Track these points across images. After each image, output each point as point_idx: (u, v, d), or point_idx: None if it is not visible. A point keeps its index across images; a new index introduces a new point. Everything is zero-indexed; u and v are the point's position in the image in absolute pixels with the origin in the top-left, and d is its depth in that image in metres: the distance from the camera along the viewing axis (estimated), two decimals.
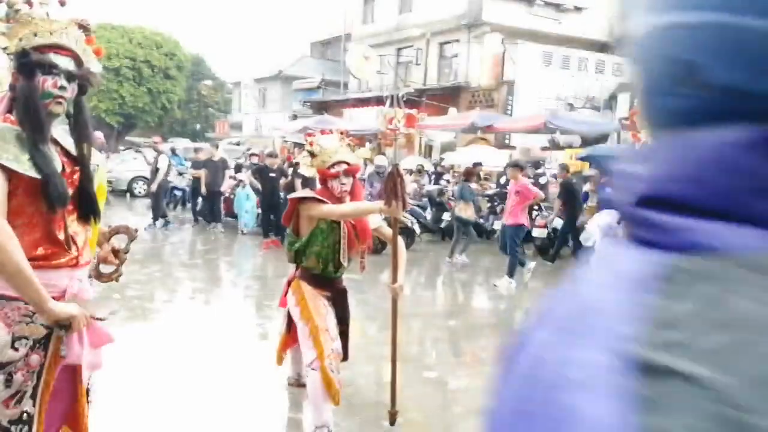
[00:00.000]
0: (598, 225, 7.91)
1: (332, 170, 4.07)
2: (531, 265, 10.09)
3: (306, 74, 36.79)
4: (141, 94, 39.59)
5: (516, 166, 10.39)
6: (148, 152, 25.08)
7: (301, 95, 35.36)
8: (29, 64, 2.23)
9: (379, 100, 25.92)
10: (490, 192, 14.93)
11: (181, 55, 42.34)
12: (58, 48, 2.27)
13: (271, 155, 13.72)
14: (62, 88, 2.26)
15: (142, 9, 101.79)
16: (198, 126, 47.67)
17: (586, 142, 19.09)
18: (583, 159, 15.88)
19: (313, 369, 3.92)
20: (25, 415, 2.24)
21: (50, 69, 2.25)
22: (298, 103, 35.00)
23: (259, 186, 13.32)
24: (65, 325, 2.24)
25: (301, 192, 4.47)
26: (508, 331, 7.37)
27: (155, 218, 14.25)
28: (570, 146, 20.26)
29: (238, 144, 30.91)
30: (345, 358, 4.22)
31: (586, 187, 12.26)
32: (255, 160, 16.01)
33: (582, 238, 8.80)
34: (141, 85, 39.57)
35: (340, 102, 30.33)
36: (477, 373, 5.80)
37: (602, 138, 18.85)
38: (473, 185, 12.03)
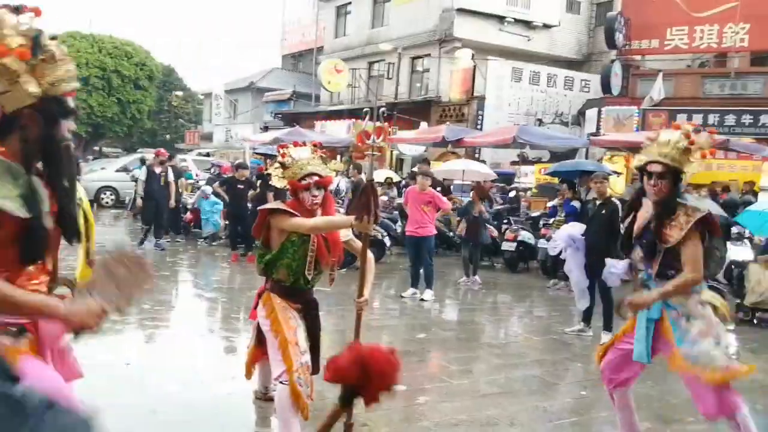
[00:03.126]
0: (568, 234, 8.00)
1: (303, 182, 4.09)
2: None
3: (277, 86, 36.76)
4: (110, 104, 39.17)
5: (427, 175, 10.44)
6: (114, 163, 24.85)
7: (272, 107, 35.33)
8: (60, 112, 2.16)
9: (351, 113, 25.98)
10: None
11: (151, 65, 42.00)
12: (72, 91, 2.20)
13: (240, 167, 13.54)
14: (70, 131, 2.23)
15: (113, 19, 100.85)
16: (168, 136, 47.29)
17: (555, 156, 19.31)
18: (551, 174, 16.07)
19: (281, 382, 3.91)
20: None
21: (69, 115, 2.20)
22: (269, 114, 34.94)
23: (225, 196, 13.32)
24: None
25: (271, 204, 4.47)
26: (477, 344, 7.42)
27: (158, 235, 13.24)
28: (539, 160, 20.48)
29: (207, 155, 30.74)
30: (315, 371, 4.20)
31: (554, 202, 12.40)
32: (218, 170, 16.01)
33: (549, 246, 8.98)
34: (110, 95, 39.16)
35: (311, 114, 30.35)
36: (445, 386, 5.83)
37: (571, 153, 19.10)
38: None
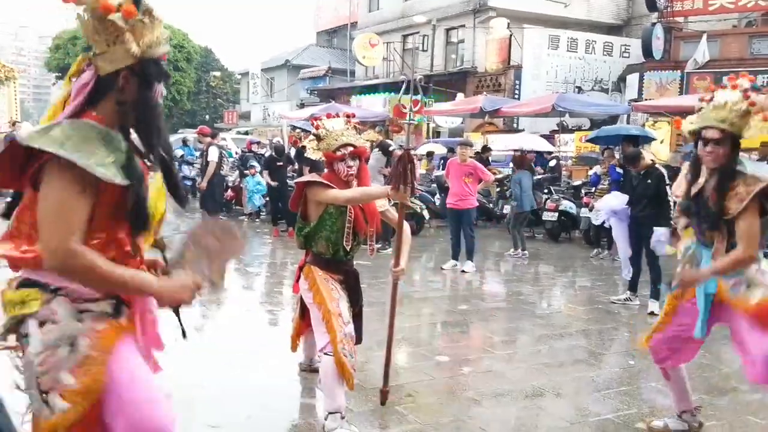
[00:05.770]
0: (610, 207, 7.88)
1: (338, 153, 4.06)
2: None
3: (313, 63, 36.74)
4: None
5: (468, 145, 10.24)
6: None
7: (308, 84, 35.33)
8: (156, 74, 2.07)
9: (387, 87, 25.83)
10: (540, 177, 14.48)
11: (189, 47, 42.37)
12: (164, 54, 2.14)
13: (278, 151, 13.22)
14: (162, 95, 2.17)
15: (151, 2, 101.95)
16: (207, 117, 47.71)
17: (595, 124, 18.96)
18: (591, 141, 15.78)
19: (326, 354, 3.91)
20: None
21: (163, 78, 2.12)
22: (305, 91, 34.96)
23: (267, 177, 13.35)
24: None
25: (307, 176, 4.45)
26: (519, 315, 7.35)
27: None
28: (579, 129, 20.13)
29: (246, 133, 30.95)
30: (359, 341, 4.22)
31: (597, 170, 12.17)
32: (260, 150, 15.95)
33: (592, 216, 8.86)
34: None
35: (347, 90, 30.27)
36: (489, 357, 5.79)
37: (611, 120, 18.73)
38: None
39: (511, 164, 12.39)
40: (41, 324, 2.01)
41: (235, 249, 2.24)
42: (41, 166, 1.95)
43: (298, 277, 4.34)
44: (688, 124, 3.73)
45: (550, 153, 17.64)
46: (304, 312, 4.43)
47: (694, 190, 3.72)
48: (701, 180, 3.70)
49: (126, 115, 2.05)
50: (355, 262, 4.37)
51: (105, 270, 1.98)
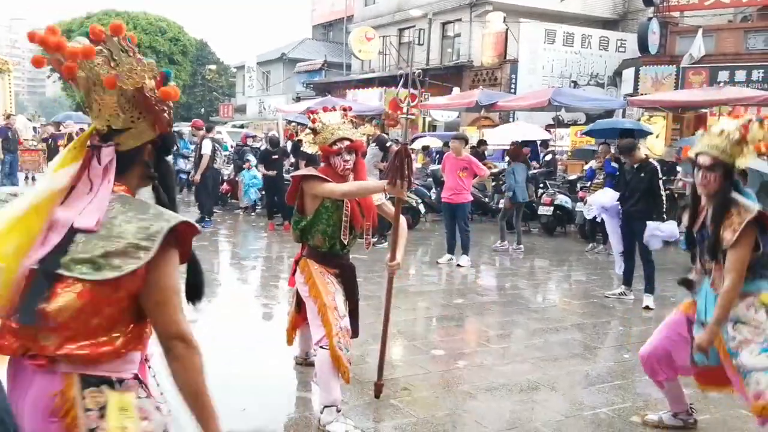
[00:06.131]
0: (600, 204, 7.92)
1: (334, 147, 4.06)
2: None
3: (308, 56, 36.65)
4: None
5: (461, 138, 10.22)
6: None
7: (303, 77, 35.25)
8: (173, 143, 2.10)
9: (383, 81, 25.79)
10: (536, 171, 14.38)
11: (185, 40, 42.18)
12: None
13: (273, 143, 13.29)
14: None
15: None
16: (202, 110, 47.57)
17: (590, 119, 18.96)
18: (586, 134, 15.80)
19: (322, 347, 3.92)
20: None
21: (174, 148, 2.16)
22: (301, 85, 34.88)
23: (263, 170, 13.33)
24: None
25: (303, 170, 4.45)
26: (515, 309, 7.36)
27: (203, 213, 12.51)
28: (575, 123, 20.13)
29: (242, 127, 30.87)
30: (355, 335, 4.22)
31: (592, 164, 12.19)
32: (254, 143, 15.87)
33: (584, 209, 8.89)
34: None
35: (343, 83, 30.22)
36: (484, 350, 5.80)
37: (607, 115, 18.74)
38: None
39: (507, 157, 12.40)
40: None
41: None
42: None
43: (294, 271, 4.34)
44: (691, 152, 3.76)
45: (546, 142, 17.68)
46: (299, 305, 4.44)
47: (698, 219, 3.73)
48: (703, 209, 3.71)
49: (163, 191, 2.05)
50: (351, 256, 4.38)
51: (205, 380, 2.02)
